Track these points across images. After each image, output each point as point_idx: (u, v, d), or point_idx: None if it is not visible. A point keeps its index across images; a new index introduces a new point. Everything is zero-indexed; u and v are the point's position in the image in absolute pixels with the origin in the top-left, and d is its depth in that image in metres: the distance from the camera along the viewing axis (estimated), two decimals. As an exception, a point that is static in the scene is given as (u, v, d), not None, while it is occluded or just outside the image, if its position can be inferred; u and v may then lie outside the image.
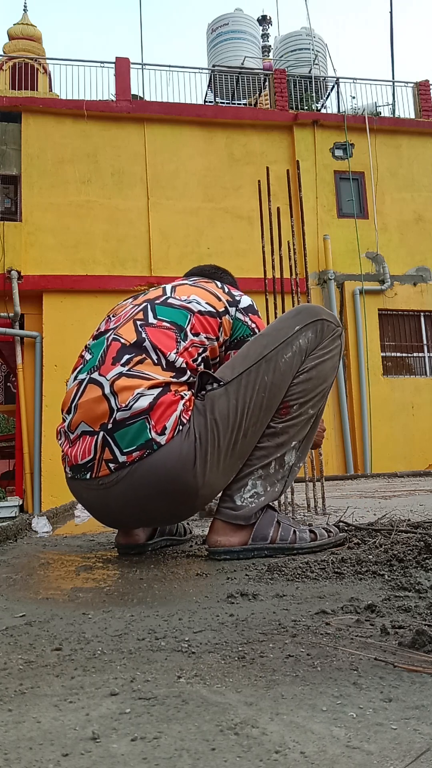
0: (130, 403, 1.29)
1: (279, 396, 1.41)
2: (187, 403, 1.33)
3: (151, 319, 1.43)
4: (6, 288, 8.88)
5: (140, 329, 1.40)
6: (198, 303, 1.47)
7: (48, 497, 8.26)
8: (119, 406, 1.30)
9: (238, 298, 1.55)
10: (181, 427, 1.30)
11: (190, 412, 1.33)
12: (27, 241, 9.22)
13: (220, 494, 1.46)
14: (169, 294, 1.50)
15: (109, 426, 1.31)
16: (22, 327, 9.14)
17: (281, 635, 0.79)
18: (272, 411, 1.41)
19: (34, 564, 1.47)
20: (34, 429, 8.86)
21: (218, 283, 1.59)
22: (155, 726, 0.53)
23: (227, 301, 1.52)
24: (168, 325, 1.41)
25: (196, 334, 1.42)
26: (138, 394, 1.30)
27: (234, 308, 1.52)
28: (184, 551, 1.58)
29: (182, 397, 1.33)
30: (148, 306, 1.47)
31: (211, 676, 0.65)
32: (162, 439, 1.29)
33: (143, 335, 1.39)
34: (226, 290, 1.56)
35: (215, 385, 1.37)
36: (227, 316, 1.50)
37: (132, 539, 1.58)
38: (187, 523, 1.81)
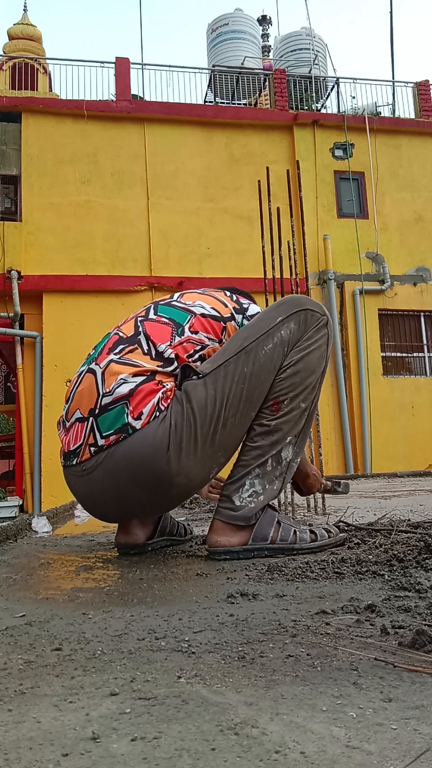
0: (113, 388, 1.34)
1: (260, 388, 1.40)
2: (167, 392, 1.35)
3: (151, 315, 1.49)
4: (6, 288, 8.88)
5: (139, 324, 1.46)
6: (202, 307, 1.50)
7: (48, 497, 8.26)
8: (105, 392, 1.35)
9: (246, 306, 1.56)
10: (158, 414, 1.32)
11: (169, 401, 1.34)
12: (27, 241, 9.22)
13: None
14: (175, 298, 1.55)
15: (96, 411, 1.35)
16: (22, 327, 9.14)
17: (281, 635, 0.79)
18: (253, 402, 1.40)
19: (34, 564, 1.47)
20: (34, 429, 8.85)
21: (227, 293, 1.61)
22: (155, 726, 0.53)
23: (234, 308, 1.54)
24: (166, 320, 1.46)
25: (195, 332, 1.44)
26: (121, 379, 1.34)
27: (241, 315, 1.53)
28: (184, 551, 1.58)
29: (163, 386, 1.35)
30: (152, 306, 1.53)
31: (211, 676, 0.65)
32: (137, 424, 1.31)
33: (140, 329, 1.44)
34: (234, 299, 1.58)
35: (194, 377, 1.37)
36: (233, 322, 1.51)
37: (131, 538, 1.58)
38: (188, 524, 1.81)
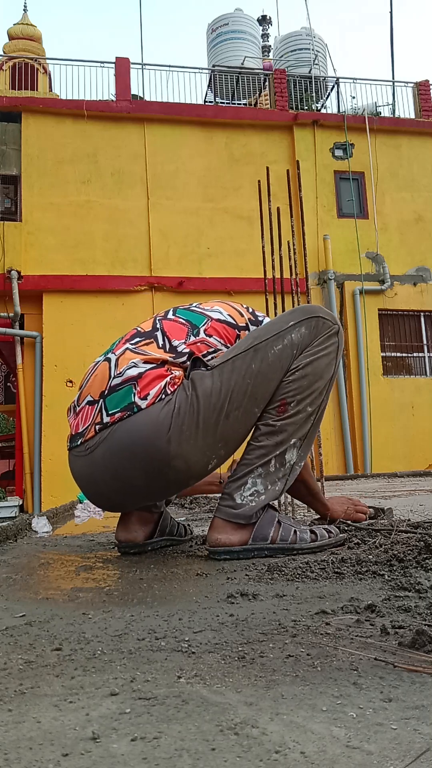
0: (124, 370, 1.39)
1: (266, 386, 1.42)
2: (175, 379, 1.39)
3: (169, 315, 1.55)
4: (6, 288, 8.88)
5: (157, 322, 1.53)
6: (219, 312, 1.56)
7: (48, 497, 8.26)
8: (116, 374, 1.40)
9: (261, 318, 1.62)
10: (163, 396, 1.36)
11: (176, 387, 1.38)
12: (27, 241, 9.22)
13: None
14: (194, 305, 1.61)
15: (106, 392, 1.40)
16: (22, 327, 9.14)
17: (281, 635, 0.79)
18: (258, 400, 1.42)
19: (34, 564, 1.47)
20: (34, 429, 8.85)
21: (244, 305, 1.67)
22: (155, 726, 0.53)
23: (249, 319, 1.59)
24: (183, 321, 1.52)
25: (209, 336, 1.49)
26: (132, 363, 1.40)
27: (255, 327, 1.58)
28: (184, 551, 1.58)
29: (172, 374, 1.39)
30: (172, 309, 1.60)
31: (211, 676, 0.65)
32: (143, 404, 1.35)
33: (158, 326, 1.51)
34: (251, 310, 1.64)
35: (203, 368, 1.41)
36: (246, 331, 1.55)
37: (131, 536, 1.58)
38: (188, 524, 1.81)
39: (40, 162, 9.52)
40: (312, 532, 1.44)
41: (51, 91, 11.57)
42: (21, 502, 8.57)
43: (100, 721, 0.54)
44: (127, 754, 0.48)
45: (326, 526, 1.50)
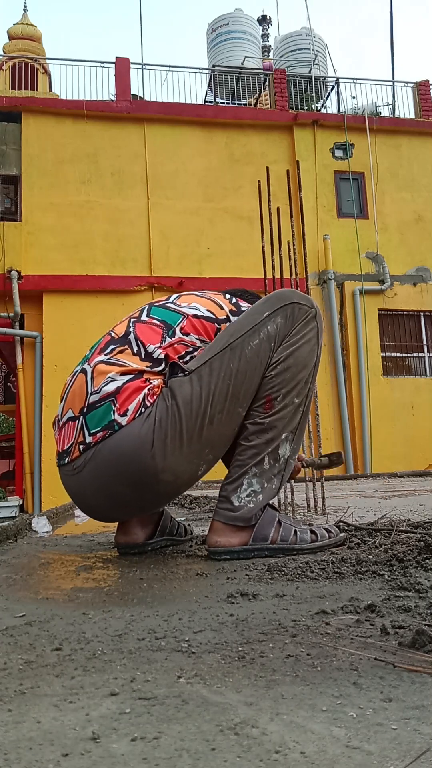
0: (101, 387, 1.35)
1: (247, 384, 1.39)
2: (154, 389, 1.35)
3: (143, 317, 1.49)
4: (6, 288, 8.88)
5: (131, 325, 1.47)
6: (196, 309, 1.49)
7: (48, 497, 8.26)
8: (93, 390, 1.36)
9: (243, 309, 1.54)
10: (143, 410, 1.32)
11: (155, 398, 1.34)
12: (27, 241, 9.22)
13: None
14: (171, 300, 1.54)
15: (85, 409, 1.37)
16: (22, 327, 9.14)
17: (281, 635, 0.79)
18: (240, 399, 1.39)
19: (34, 564, 1.47)
20: (34, 429, 8.85)
21: (227, 295, 1.60)
22: (155, 726, 0.53)
23: (230, 311, 1.52)
24: (157, 322, 1.46)
25: (186, 334, 1.43)
26: (109, 378, 1.35)
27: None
28: (184, 551, 1.58)
29: (150, 383, 1.35)
30: (146, 307, 1.53)
31: (211, 676, 0.65)
32: (123, 420, 1.32)
33: (131, 329, 1.45)
34: (233, 301, 1.57)
35: (180, 374, 1.37)
36: (228, 324, 1.49)
37: (131, 538, 1.58)
38: (188, 524, 1.81)
39: (40, 162, 9.52)
40: (312, 532, 1.44)
41: (51, 91, 11.57)
42: (21, 502, 8.57)
43: (100, 721, 0.54)
44: (127, 754, 0.48)
45: (326, 526, 1.50)
